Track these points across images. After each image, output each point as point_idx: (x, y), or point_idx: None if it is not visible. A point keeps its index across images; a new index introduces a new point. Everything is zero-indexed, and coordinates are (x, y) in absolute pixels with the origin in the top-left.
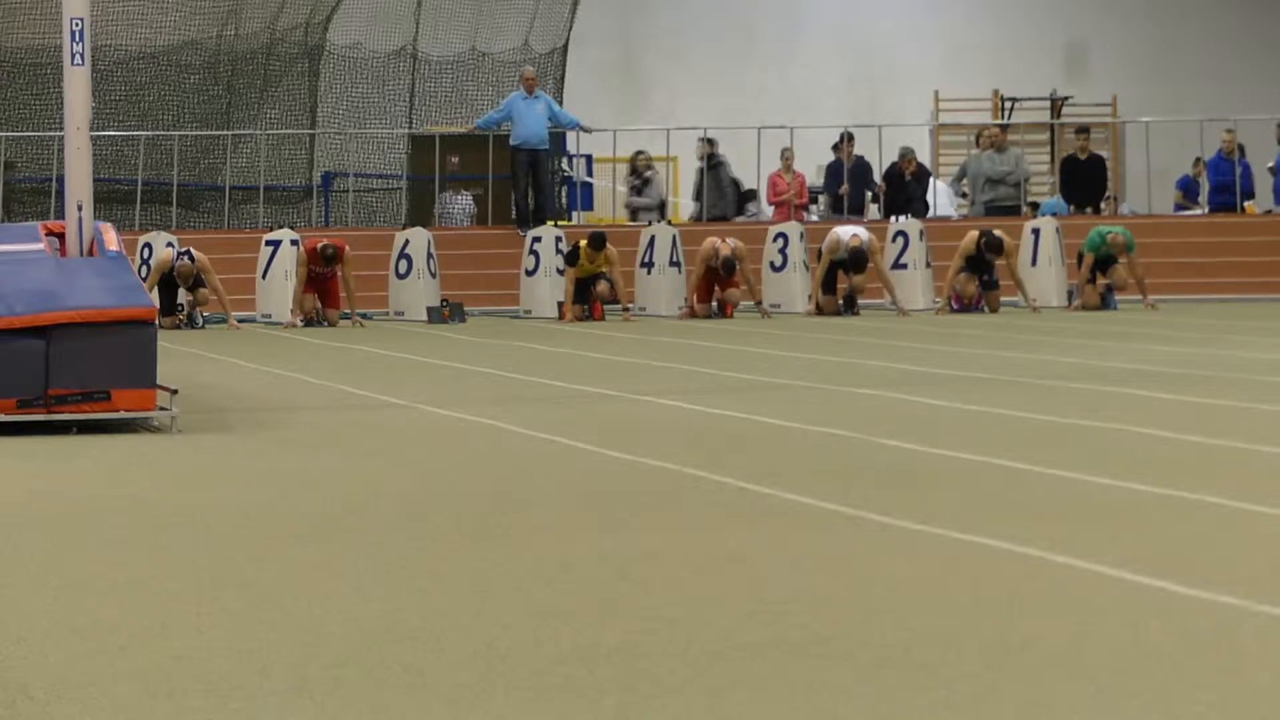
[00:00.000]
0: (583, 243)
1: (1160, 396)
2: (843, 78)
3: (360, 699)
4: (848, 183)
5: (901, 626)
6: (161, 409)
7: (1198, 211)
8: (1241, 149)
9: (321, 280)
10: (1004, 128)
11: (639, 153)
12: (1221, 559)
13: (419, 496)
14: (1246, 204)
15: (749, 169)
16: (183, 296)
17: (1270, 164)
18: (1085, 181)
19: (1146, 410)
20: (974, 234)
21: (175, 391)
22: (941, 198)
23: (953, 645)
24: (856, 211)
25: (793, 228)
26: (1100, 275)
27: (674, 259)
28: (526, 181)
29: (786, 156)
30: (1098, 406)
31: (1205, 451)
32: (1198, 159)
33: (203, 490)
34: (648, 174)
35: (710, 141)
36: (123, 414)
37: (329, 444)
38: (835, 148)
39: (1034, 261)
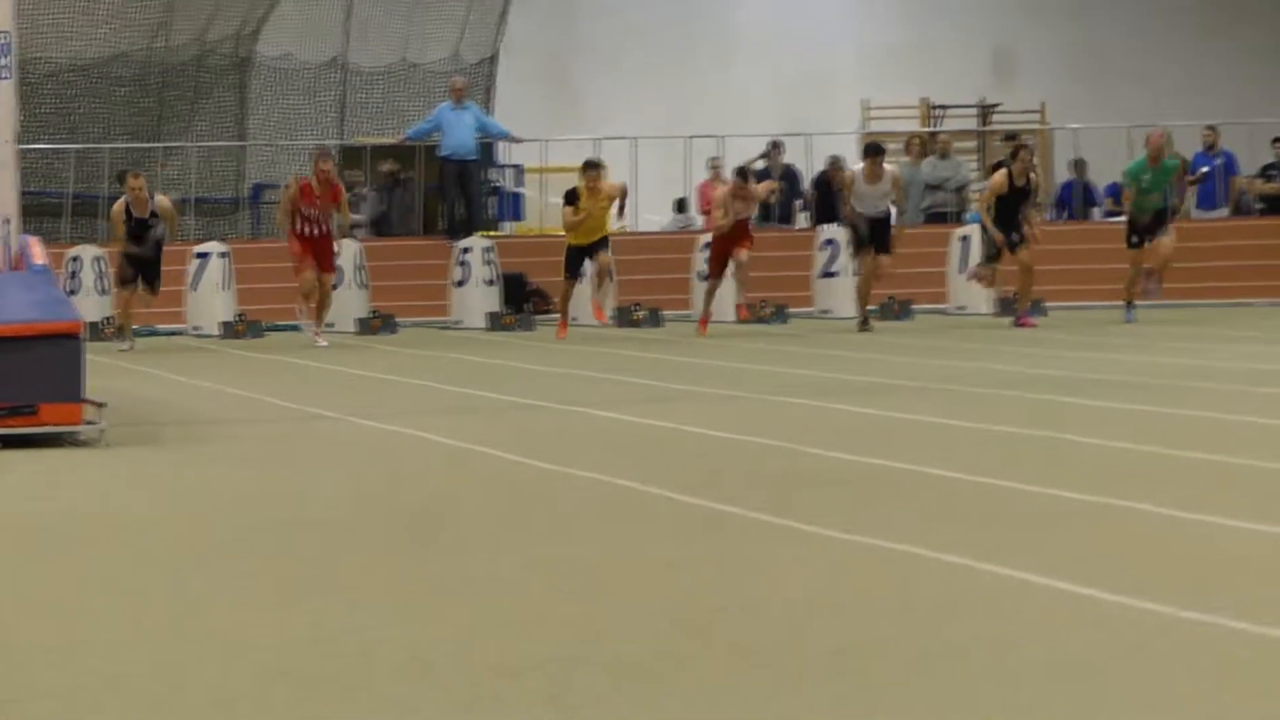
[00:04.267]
0: (580, 181)
1: (1091, 404)
2: (773, 87)
3: (286, 713)
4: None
5: (829, 635)
6: (89, 423)
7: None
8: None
9: (315, 233)
10: (933, 135)
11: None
12: (1148, 567)
13: (347, 508)
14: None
15: (679, 178)
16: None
17: (1203, 169)
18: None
19: (1077, 418)
20: (1001, 173)
21: (103, 405)
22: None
23: (880, 653)
24: (785, 220)
25: None
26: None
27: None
28: (456, 192)
29: (715, 165)
30: (1029, 414)
31: (1135, 459)
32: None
33: (128, 504)
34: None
35: None
36: (49, 428)
37: (257, 457)
38: (764, 156)
39: (964, 268)
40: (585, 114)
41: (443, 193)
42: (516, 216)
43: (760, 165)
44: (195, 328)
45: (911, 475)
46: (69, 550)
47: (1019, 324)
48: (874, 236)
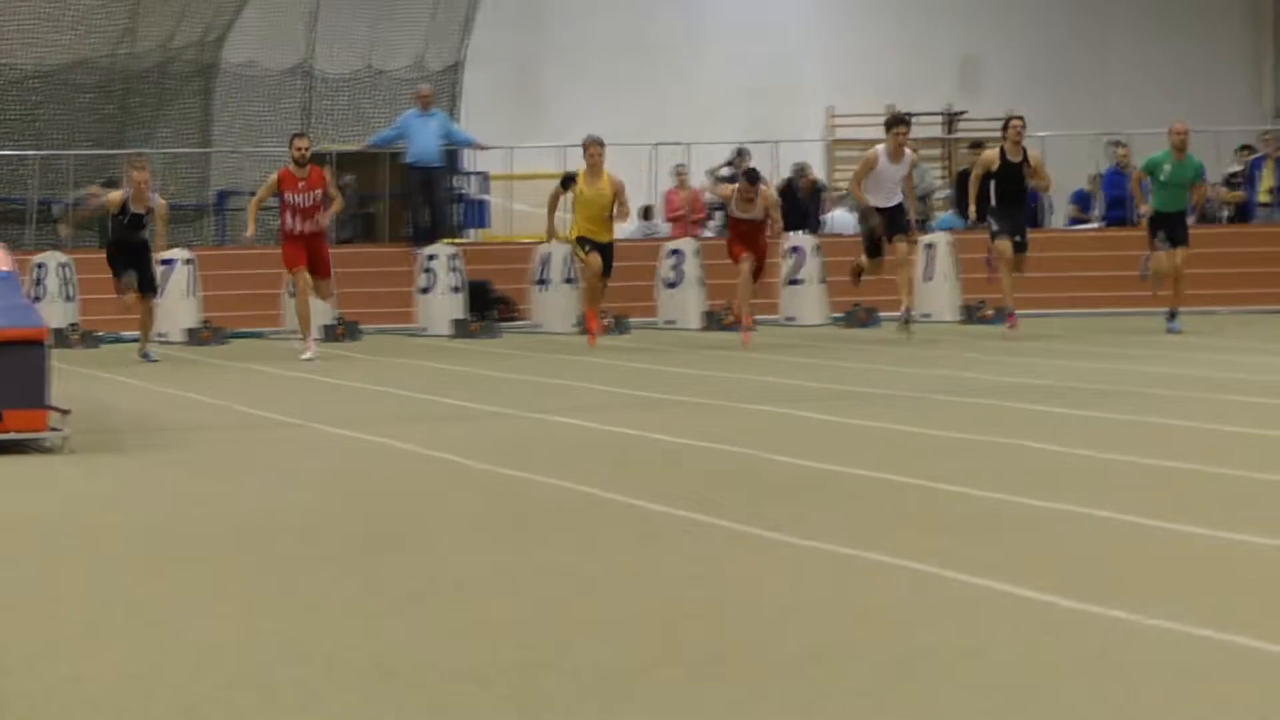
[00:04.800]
0: (579, 169)
1: (1053, 410)
2: (738, 94)
3: (245, 716)
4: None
5: (794, 641)
6: (53, 429)
7: (1092, 225)
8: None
9: (305, 229)
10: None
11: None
12: (1112, 573)
13: (312, 516)
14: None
15: (646, 185)
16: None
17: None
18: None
19: (1038, 425)
20: (992, 151)
21: (67, 412)
22: (842, 216)
23: (845, 659)
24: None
25: (688, 244)
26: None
27: (568, 276)
28: (421, 199)
29: (680, 172)
30: (990, 421)
31: (1097, 465)
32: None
33: (93, 511)
34: None
35: None
36: (13, 435)
37: (222, 464)
38: (730, 164)
39: (929, 276)
40: (551, 121)
41: (408, 200)
42: (482, 224)
43: (726, 172)
44: (160, 334)
45: (877, 482)
46: (33, 557)
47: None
48: (888, 225)
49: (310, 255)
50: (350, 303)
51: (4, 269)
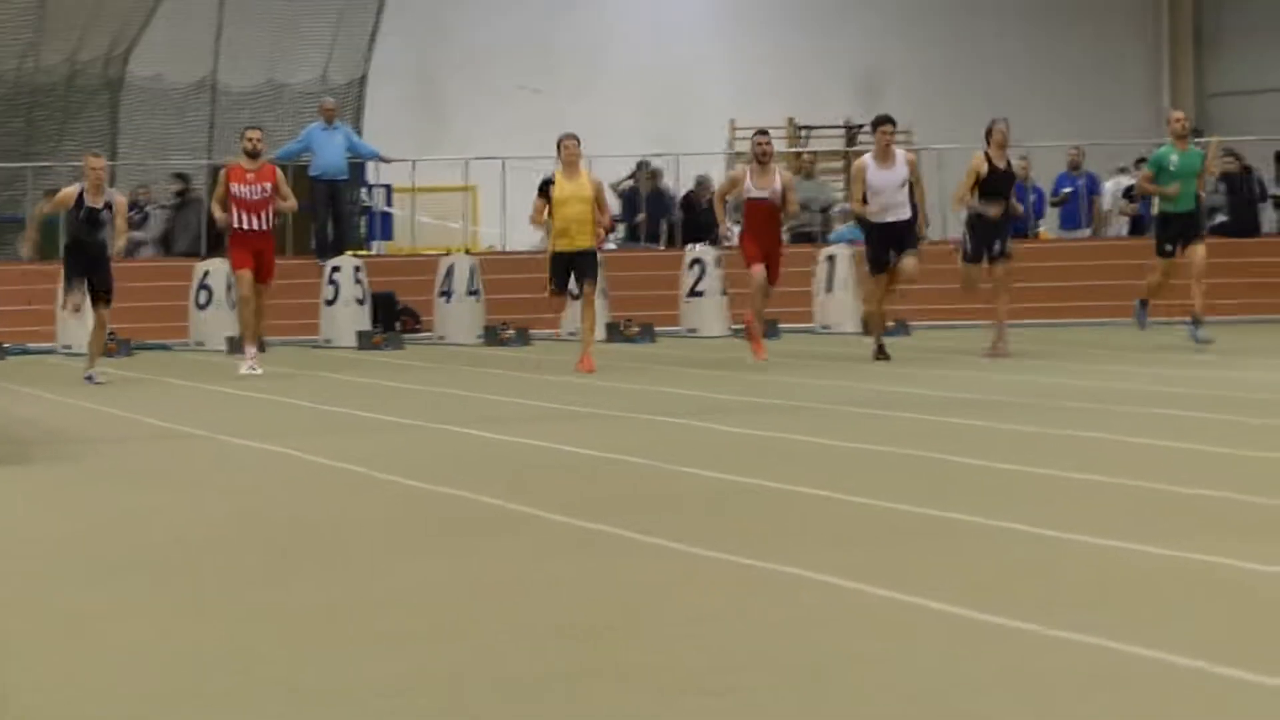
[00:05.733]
0: (555, 169)
1: (974, 424)
2: (640, 107)
3: None
4: (644, 211)
5: (706, 652)
6: None
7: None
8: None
9: (255, 225)
10: (798, 155)
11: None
12: (1027, 586)
13: (224, 529)
14: (1039, 230)
15: None
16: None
17: (1066, 189)
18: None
19: (958, 438)
20: (978, 157)
21: None
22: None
23: (757, 670)
24: (653, 239)
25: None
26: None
27: (473, 287)
28: (326, 212)
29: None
30: (911, 434)
31: (1017, 479)
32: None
33: (6, 523)
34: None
35: None
36: None
37: (134, 476)
38: (633, 176)
39: (829, 288)
40: (453, 134)
41: (314, 213)
42: (386, 236)
43: (628, 186)
44: (66, 346)
45: (785, 494)
46: None
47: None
48: (896, 241)
49: (256, 258)
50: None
51: None
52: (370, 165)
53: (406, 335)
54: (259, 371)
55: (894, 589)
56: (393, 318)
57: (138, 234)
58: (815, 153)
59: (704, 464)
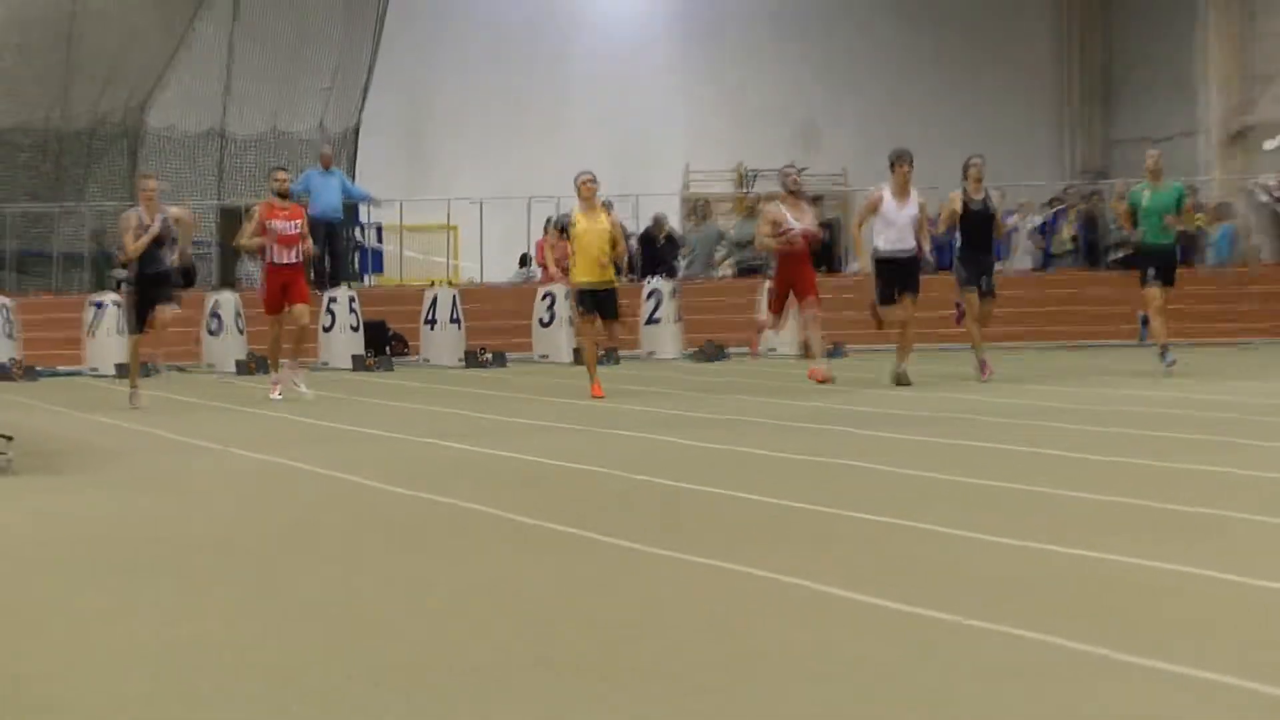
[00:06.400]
0: (575, 216)
1: (891, 436)
2: (604, 153)
3: (168, 712)
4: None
5: (654, 642)
6: None
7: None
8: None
9: (287, 259)
10: (744, 196)
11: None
12: (935, 579)
13: (225, 530)
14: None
15: (522, 235)
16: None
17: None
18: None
19: (877, 449)
20: (955, 195)
21: (10, 438)
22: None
23: (698, 658)
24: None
25: (559, 288)
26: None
27: (454, 316)
28: (324, 248)
29: (551, 224)
30: (834, 446)
31: (926, 485)
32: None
33: (27, 526)
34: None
35: None
36: None
37: (146, 484)
38: None
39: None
40: (436, 178)
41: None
42: (377, 270)
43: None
44: (93, 368)
45: (724, 499)
46: None
47: (983, 375)
48: (899, 280)
49: (283, 291)
50: (258, 340)
51: None
52: (363, 206)
53: (396, 358)
54: (308, 391)
55: (823, 583)
56: (383, 343)
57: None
58: (759, 195)
59: (652, 471)
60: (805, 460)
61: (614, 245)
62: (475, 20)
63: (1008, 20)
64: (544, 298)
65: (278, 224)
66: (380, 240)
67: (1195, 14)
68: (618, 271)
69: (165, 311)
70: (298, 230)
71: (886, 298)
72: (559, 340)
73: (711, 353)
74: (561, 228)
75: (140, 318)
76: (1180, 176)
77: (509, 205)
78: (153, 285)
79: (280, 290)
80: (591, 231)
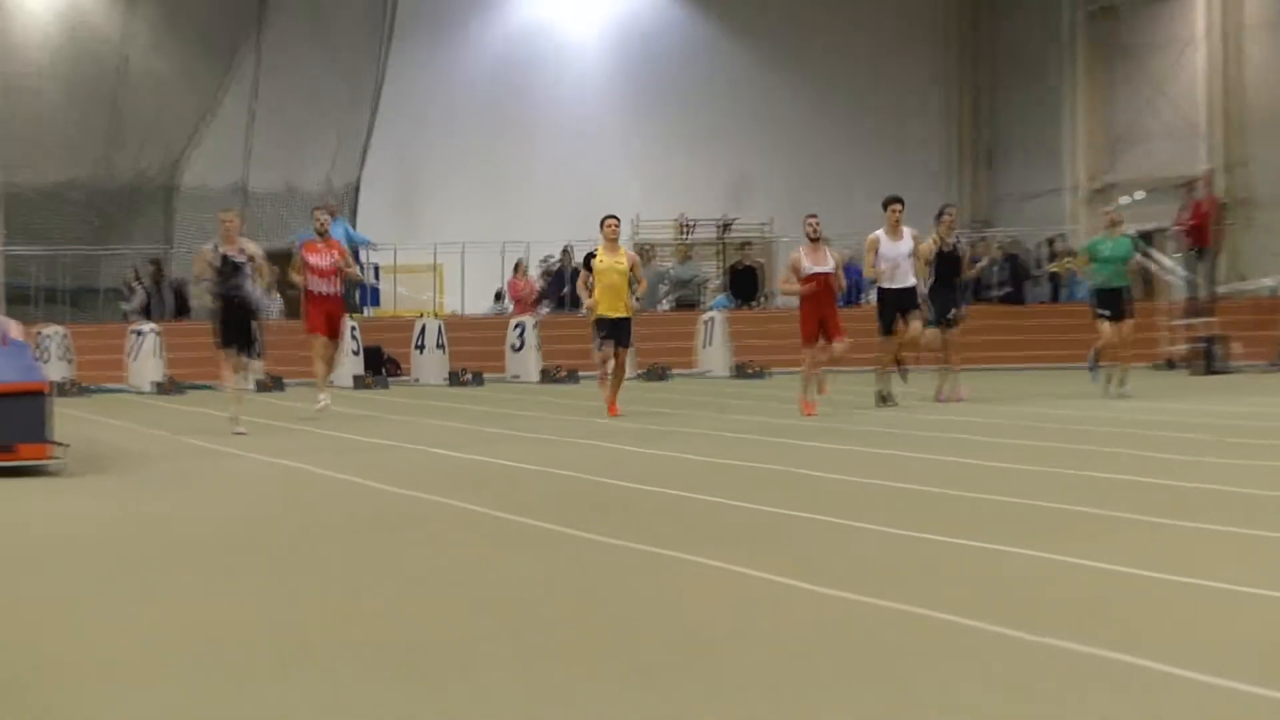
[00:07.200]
0: (598, 252)
1: (830, 447)
2: (565, 205)
3: (195, 676)
4: (569, 285)
5: (595, 620)
6: (55, 459)
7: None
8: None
9: (327, 291)
10: (683, 242)
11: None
12: (863, 569)
13: (245, 525)
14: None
15: (497, 274)
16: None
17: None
18: (746, 283)
19: (817, 458)
20: (928, 244)
21: (66, 445)
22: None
23: (634, 636)
24: (575, 306)
25: (528, 319)
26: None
27: (440, 342)
28: None
29: (521, 265)
30: (781, 455)
31: (860, 489)
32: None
33: (68, 524)
34: None
35: None
36: (24, 462)
37: (178, 486)
38: (559, 258)
39: (708, 343)
40: (425, 226)
41: None
42: (375, 303)
43: (555, 264)
44: (134, 386)
45: (682, 500)
46: (40, 556)
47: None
48: (900, 305)
49: (328, 320)
50: (283, 361)
51: (18, 339)
52: (363, 250)
53: (391, 378)
54: (328, 403)
55: (768, 572)
56: (380, 365)
57: (128, 305)
58: (694, 244)
59: (616, 475)
60: (751, 467)
61: (636, 281)
62: (458, 95)
63: (904, 97)
64: (515, 327)
65: (315, 259)
66: (377, 278)
67: (1062, 87)
68: (638, 299)
69: (252, 364)
70: (334, 263)
71: (889, 329)
72: (528, 363)
73: (660, 373)
74: (585, 261)
75: (225, 337)
76: (1049, 228)
77: (486, 249)
78: (236, 327)
79: (323, 318)
80: (611, 268)
